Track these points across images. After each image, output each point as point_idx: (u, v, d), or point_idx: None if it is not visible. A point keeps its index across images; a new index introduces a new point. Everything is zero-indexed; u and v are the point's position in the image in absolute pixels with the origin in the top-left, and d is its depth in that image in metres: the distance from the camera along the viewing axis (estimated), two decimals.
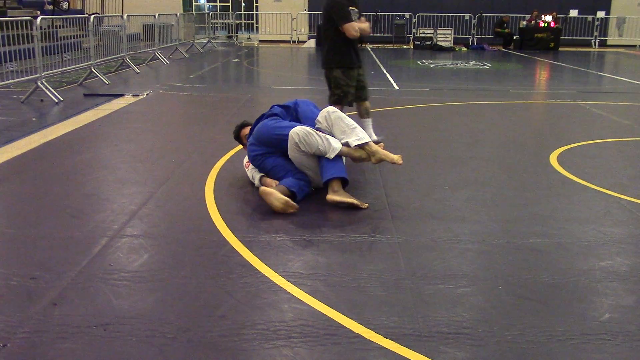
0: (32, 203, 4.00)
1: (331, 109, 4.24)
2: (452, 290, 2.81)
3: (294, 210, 3.79)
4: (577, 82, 11.98)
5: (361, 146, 4.07)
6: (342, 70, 5.42)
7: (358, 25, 5.32)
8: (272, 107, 4.47)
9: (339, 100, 5.43)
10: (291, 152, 4.08)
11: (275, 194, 3.78)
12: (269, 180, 4.15)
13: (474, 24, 21.38)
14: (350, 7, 5.30)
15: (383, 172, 4.75)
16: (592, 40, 21.12)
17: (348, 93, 5.45)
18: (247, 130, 4.60)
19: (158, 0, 19.65)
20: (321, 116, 4.21)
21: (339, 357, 2.26)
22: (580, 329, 2.47)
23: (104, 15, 16.13)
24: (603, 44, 21.35)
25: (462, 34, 21.20)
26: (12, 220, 3.76)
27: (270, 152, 4.20)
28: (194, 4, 23.65)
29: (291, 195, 3.93)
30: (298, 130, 4.00)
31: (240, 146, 4.87)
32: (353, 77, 5.48)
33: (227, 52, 17.43)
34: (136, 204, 3.95)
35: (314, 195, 4.15)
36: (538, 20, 19.74)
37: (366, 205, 3.95)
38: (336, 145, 4.02)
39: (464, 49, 19.29)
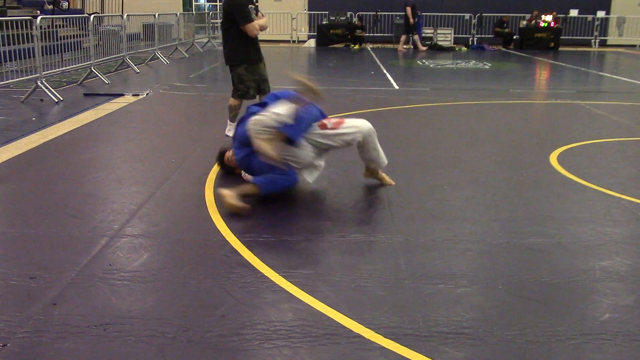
0: (32, 203, 4.00)
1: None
2: (452, 290, 2.81)
3: (244, 212, 3.66)
4: (577, 82, 11.98)
5: None
6: (244, 66, 5.72)
7: (258, 24, 5.56)
8: (249, 107, 4.33)
9: (243, 95, 5.78)
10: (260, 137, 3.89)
11: (227, 196, 3.71)
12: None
13: (474, 23, 21.36)
14: (251, 6, 5.54)
15: (383, 172, 4.74)
16: (592, 40, 21.09)
17: (250, 88, 5.77)
18: (230, 152, 4.48)
19: (158, 0, 19.64)
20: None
21: (339, 357, 2.26)
22: (580, 329, 2.47)
23: (104, 15, 16.12)
24: (603, 43, 21.33)
25: (462, 34, 21.18)
26: (12, 220, 3.76)
27: (254, 151, 4.11)
28: (194, 3, 23.64)
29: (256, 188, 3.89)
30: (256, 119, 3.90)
31: None
32: (255, 72, 5.77)
33: None
34: (136, 203, 3.95)
35: (314, 196, 4.15)
36: (538, 20, 19.72)
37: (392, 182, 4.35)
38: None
39: (464, 48, 19.27)
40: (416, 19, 18.51)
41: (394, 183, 4.41)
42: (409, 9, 18.09)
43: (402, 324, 2.49)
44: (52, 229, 3.52)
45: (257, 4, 5.71)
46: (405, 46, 18.79)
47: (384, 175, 4.45)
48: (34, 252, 3.18)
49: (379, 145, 4.27)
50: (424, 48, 18.69)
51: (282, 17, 21.98)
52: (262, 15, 5.73)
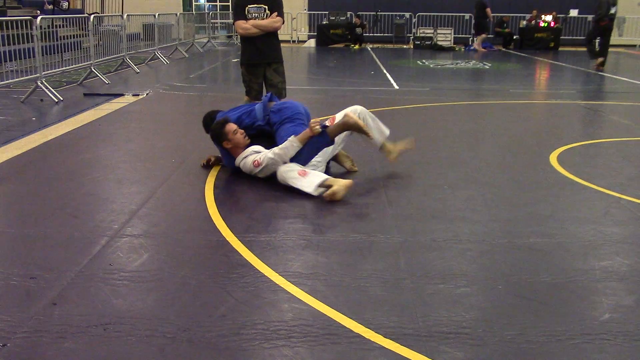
0: (32, 203, 4.00)
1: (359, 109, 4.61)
2: (452, 290, 2.81)
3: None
4: (577, 82, 11.98)
5: None
6: (245, 66, 5.73)
7: (252, 23, 5.45)
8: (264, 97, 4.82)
9: (247, 93, 5.80)
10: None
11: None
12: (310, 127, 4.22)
13: (474, 24, 21.35)
14: (254, 5, 5.45)
15: (383, 172, 4.76)
16: (592, 40, 21.05)
17: (251, 89, 5.75)
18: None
19: (158, 0, 19.63)
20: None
21: (339, 357, 2.26)
22: (580, 329, 2.47)
23: (104, 14, 16.12)
24: None
25: (462, 34, 21.19)
26: (12, 220, 3.76)
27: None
28: (194, 3, 23.63)
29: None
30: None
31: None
32: (257, 74, 5.69)
33: (227, 52, 17.43)
34: (136, 203, 3.95)
35: (314, 196, 4.15)
36: (538, 20, 19.73)
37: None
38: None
39: (463, 49, 19.27)
40: (487, 20, 18.49)
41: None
42: (489, 10, 18.05)
43: (402, 324, 2.49)
44: (52, 229, 3.52)
45: (268, 3, 5.45)
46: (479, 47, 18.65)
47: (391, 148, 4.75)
48: (34, 252, 3.18)
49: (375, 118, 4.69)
50: (484, 50, 18.59)
51: None
52: (277, 15, 5.51)
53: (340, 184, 3.99)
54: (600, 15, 13.10)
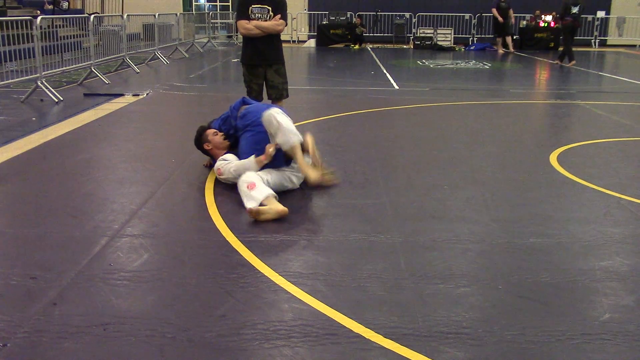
0: (32, 203, 4.00)
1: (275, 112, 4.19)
2: (452, 290, 2.81)
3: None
4: (577, 82, 11.98)
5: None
6: (245, 67, 5.73)
7: (255, 24, 5.42)
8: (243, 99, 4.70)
9: (247, 93, 5.72)
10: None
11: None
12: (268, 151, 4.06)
13: (474, 24, 21.36)
14: (257, 5, 5.42)
15: (383, 172, 4.76)
16: (592, 40, 21.08)
17: (251, 89, 5.72)
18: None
19: (158, 0, 19.63)
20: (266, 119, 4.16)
21: (339, 357, 2.26)
22: (580, 329, 2.47)
23: (104, 15, 16.11)
24: (603, 44, 21.31)
25: (462, 34, 21.19)
26: (12, 220, 3.76)
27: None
28: (194, 3, 23.62)
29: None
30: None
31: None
32: (257, 75, 5.68)
33: (227, 52, 17.43)
34: (136, 203, 3.95)
35: (314, 196, 4.14)
36: (538, 20, 19.73)
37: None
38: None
39: (464, 48, 19.26)
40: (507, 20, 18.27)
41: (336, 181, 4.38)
42: (494, 10, 17.94)
43: (402, 324, 2.49)
44: (52, 229, 3.52)
45: (272, 5, 5.40)
46: (502, 49, 18.44)
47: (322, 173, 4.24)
48: (34, 252, 3.18)
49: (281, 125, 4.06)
50: (512, 50, 18.43)
51: None
52: (280, 18, 5.46)
53: (273, 209, 3.68)
54: (560, 15, 13.88)
